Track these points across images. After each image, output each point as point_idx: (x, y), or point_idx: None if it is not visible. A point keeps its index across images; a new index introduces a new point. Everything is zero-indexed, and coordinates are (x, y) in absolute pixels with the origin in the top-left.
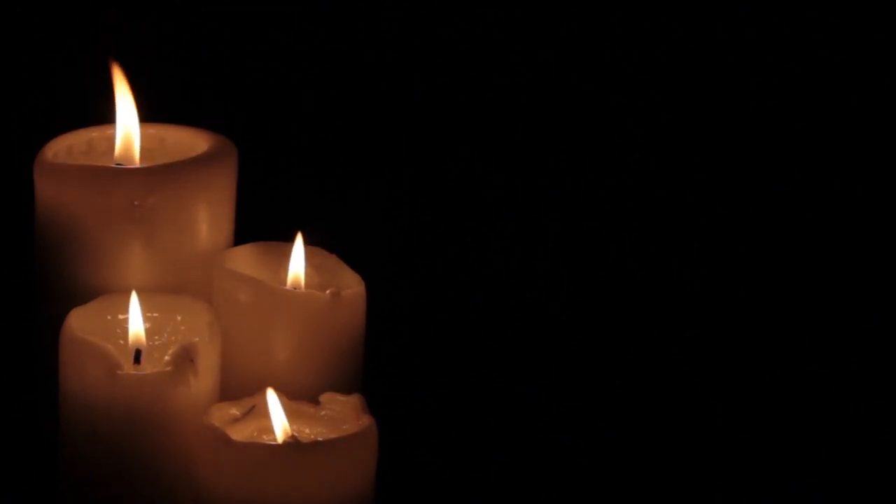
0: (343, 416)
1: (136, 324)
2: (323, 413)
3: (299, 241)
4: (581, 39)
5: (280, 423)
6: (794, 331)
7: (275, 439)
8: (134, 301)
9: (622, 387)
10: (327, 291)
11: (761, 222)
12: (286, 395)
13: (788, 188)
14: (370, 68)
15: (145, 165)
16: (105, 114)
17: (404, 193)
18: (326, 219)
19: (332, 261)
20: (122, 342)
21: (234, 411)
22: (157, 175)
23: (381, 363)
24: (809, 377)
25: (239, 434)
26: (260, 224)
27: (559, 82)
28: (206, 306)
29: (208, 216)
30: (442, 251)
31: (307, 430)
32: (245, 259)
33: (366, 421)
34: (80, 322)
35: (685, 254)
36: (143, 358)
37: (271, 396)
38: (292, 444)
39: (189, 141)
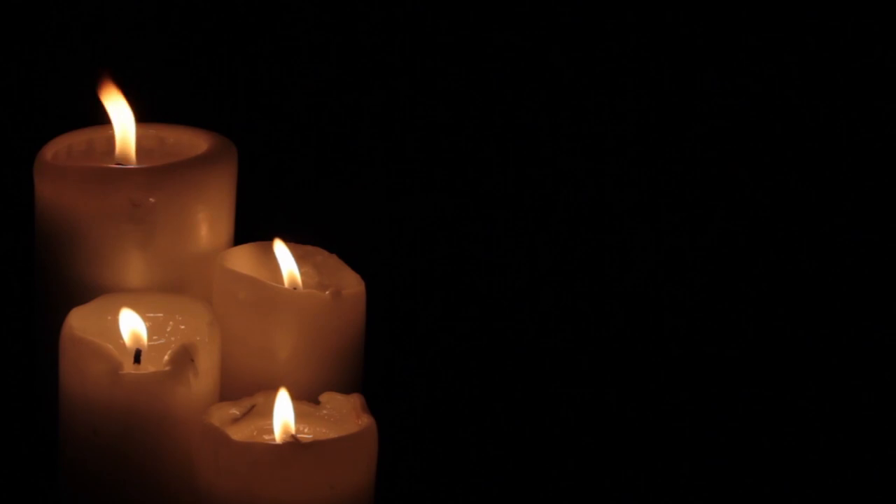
0: (343, 416)
1: (133, 326)
2: (323, 413)
3: (279, 244)
4: (579, 37)
5: (282, 424)
6: (796, 333)
7: (275, 439)
8: (126, 310)
9: (624, 388)
10: (327, 291)
11: (765, 223)
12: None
13: (790, 188)
14: (371, 68)
15: (145, 165)
16: (105, 114)
17: (404, 193)
18: (326, 219)
19: (333, 260)
20: (122, 342)
21: (234, 411)
22: (157, 175)
23: (381, 363)
24: (814, 380)
25: (239, 434)
26: (260, 224)
27: (561, 81)
28: (206, 306)
29: (208, 216)
30: (442, 251)
31: (307, 430)
32: (245, 259)
33: (366, 421)
34: (80, 322)
35: (687, 254)
36: (142, 358)
37: (282, 396)
38: (292, 444)
39: (189, 141)
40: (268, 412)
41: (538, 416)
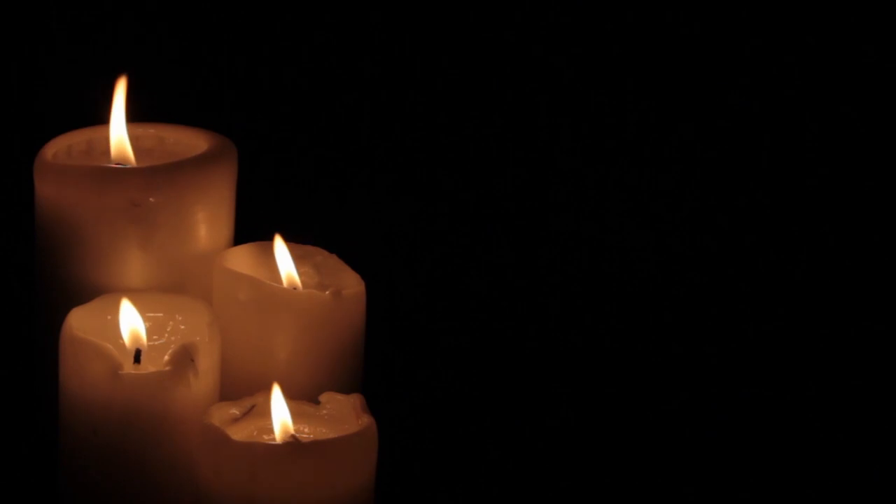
0: (343, 416)
1: (132, 324)
2: (323, 413)
3: (279, 242)
4: (579, 37)
5: (281, 422)
6: (798, 334)
7: (275, 439)
8: (126, 304)
9: (624, 387)
10: (327, 291)
11: (767, 224)
12: (286, 394)
13: (791, 189)
14: (371, 68)
15: (145, 165)
16: (105, 114)
17: (404, 193)
18: (326, 219)
19: (332, 260)
20: (122, 342)
21: (234, 411)
22: (157, 175)
23: (381, 363)
24: (815, 381)
25: (239, 434)
26: (260, 224)
27: (561, 81)
28: (206, 306)
29: (208, 216)
30: (442, 251)
31: (307, 430)
32: (245, 259)
33: (366, 421)
34: (80, 322)
35: (687, 254)
36: (142, 358)
37: (276, 394)
38: (292, 444)
39: (189, 141)
40: (268, 412)
41: (538, 416)
